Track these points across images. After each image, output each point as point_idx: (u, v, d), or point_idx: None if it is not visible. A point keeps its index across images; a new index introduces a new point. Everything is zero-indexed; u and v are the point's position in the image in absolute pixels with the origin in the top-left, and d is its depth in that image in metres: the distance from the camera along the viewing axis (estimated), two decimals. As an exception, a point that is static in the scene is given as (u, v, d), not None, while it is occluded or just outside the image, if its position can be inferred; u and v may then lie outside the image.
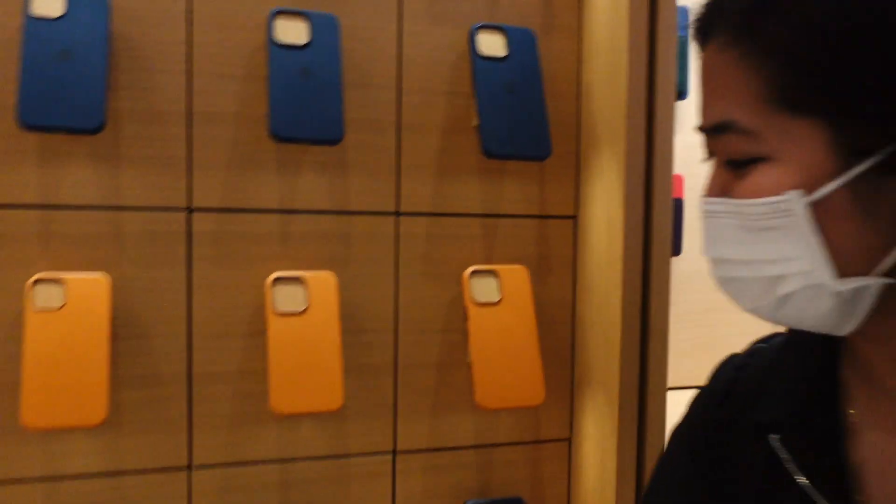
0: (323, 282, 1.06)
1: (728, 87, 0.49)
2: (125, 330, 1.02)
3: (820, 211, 0.46)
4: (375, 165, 1.11)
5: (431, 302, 1.15)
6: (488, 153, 1.06)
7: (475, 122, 1.12)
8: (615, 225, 1.11)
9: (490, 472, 1.20)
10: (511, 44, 1.11)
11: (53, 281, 0.96)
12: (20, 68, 0.90)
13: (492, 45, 1.11)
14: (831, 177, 0.46)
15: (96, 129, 0.92)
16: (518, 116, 1.08)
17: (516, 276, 1.15)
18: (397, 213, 1.13)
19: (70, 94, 0.90)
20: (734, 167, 0.50)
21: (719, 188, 0.51)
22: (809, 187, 0.46)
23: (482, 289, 1.13)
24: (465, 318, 1.13)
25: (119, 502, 1.02)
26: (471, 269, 1.13)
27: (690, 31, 0.53)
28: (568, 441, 1.24)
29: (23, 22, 0.92)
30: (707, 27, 0.51)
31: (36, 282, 0.96)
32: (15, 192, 0.97)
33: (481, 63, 1.09)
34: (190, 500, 1.05)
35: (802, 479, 0.54)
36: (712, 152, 0.53)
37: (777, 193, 0.47)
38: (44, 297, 0.96)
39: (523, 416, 1.21)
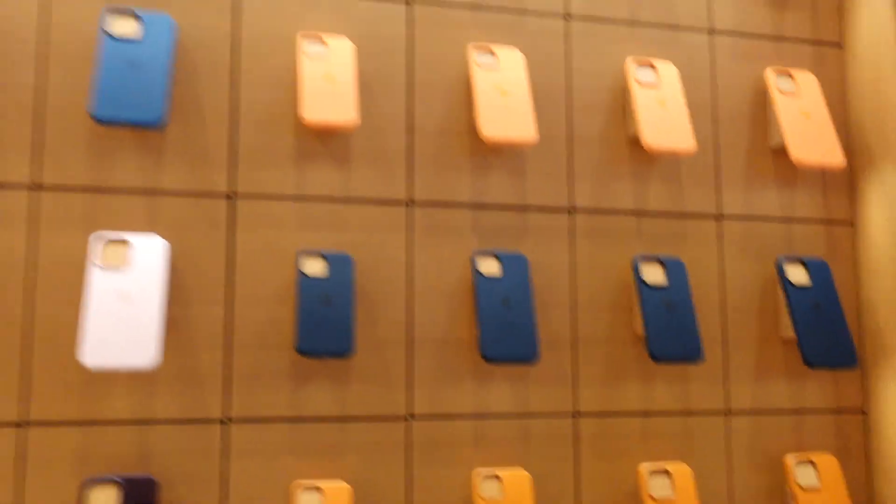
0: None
1: None
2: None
3: None
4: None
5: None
6: (811, 364, 1.32)
7: (785, 334, 1.39)
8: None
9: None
10: (812, 273, 1.40)
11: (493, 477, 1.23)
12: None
13: (797, 275, 1.39)
14: None
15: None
16: (828, 330, 1.35)
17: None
18: (727, 412, 1.38)
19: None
20: None
21: None
22: None
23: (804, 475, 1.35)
24: None
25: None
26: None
27: None
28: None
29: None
30: None
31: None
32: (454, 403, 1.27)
33: (793, 290, 1.37)
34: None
35: None
36: None
37: None
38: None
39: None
